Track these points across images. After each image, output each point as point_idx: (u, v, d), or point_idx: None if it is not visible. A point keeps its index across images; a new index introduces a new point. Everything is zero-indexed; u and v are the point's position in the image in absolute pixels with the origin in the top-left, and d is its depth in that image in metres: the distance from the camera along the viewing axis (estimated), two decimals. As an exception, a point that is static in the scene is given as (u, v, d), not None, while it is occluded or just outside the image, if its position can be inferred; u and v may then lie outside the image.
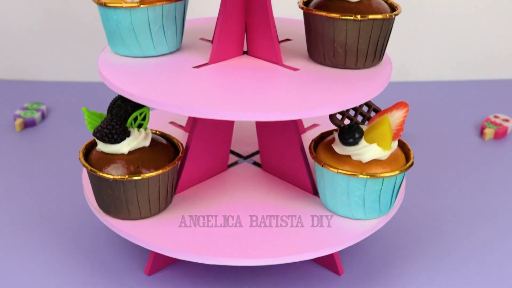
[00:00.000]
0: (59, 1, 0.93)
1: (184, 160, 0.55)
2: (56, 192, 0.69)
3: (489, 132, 0.82)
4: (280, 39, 0.60)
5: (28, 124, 0.83)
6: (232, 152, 0.63)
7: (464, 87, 0.99)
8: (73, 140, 0.81)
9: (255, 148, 0.63)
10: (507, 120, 0.84)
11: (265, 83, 0.49)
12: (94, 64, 0.96)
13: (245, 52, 0.56)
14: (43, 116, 0.86)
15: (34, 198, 0.67)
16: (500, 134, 0.82)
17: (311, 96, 0.47)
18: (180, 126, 0.66)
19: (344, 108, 0.47)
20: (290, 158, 0.56)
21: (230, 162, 0.61)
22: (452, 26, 0.98)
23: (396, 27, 0.96)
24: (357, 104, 0.48)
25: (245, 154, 0.62)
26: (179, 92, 0.48)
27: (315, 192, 0.56)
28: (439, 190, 0.71)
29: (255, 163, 0.61)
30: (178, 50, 0.56)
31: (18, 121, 0.82)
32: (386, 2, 0.55)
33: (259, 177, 0.58)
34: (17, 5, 0.93)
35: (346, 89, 0.49)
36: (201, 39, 0.60)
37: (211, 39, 0.60)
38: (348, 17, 0.50)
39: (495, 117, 0.85)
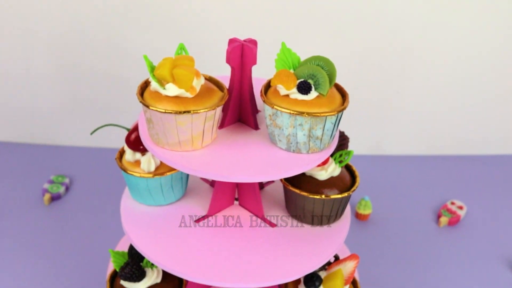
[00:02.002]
0: (82, 72, 1.05)
1: None
2: (84, 274, 0.84)
3: (443, 220, 0.97)
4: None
5: (55, 198, 0.99)
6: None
7: (434, 162, 1.13)
8: (98, 212, 0.95)
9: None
10: (461, 208, 1.00)
11: (246, 247, 0.64)
12: (113, 131, 1.09)
13: (236, 199, 0.71)
14: (67, 189, 1.01)
15: (64, 280, 0.83)
16: (453, 222, 0.97)
17: (281, 262, 0.63)
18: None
19: (308, 272, 0.62)
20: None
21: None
22: (426, 104, 1.10)
23: (371, 106, 1.10)
24: (319, 266, 0.63)
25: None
26: (178, 250, 0.63)
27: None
28: (393, 281, 0.86)
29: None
30: (183, 196, 0.71)
31: (47, 196, 0.97)
32: (349, 170, 0.69)
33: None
34: (43, 77, 1.06)
35: (312, 252, 0.64)
36: (202, 179, 0.75)
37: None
38: (316, 196, 0.65)
39: (452, 203, 1.00)
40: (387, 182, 1.07)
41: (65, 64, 1.04)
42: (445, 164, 1.13)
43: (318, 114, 0.57)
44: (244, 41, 0.61)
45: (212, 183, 0.73)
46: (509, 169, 1.12)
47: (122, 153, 0.70)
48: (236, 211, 0.69)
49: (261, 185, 0.74)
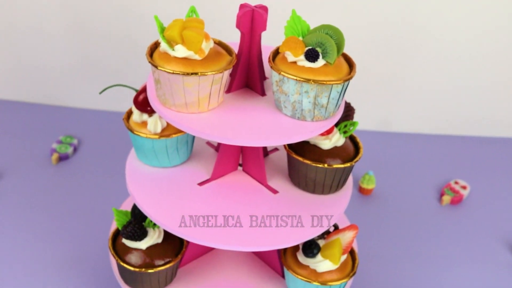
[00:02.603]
0: (93, 33, 1.06)
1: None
2: (88, 232, 0.86)
3: (446, 199, 0.97)
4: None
5: (63, 158, 1.00)
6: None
7: (440, 142, 1.13)
8: (104, 173, 0.97)
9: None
10: (464, 188, 1.00)
11: (247, 211, 0.65)
12: (122, 94, 1.10)
13: (240, 164, 0.72)
14: (75, 149, 1.02)
15: (68, 238, 0.85)
16: (456, 202, 0.98)
17: (280, 227, 0.64)
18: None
19: (306, 239, 0.63)
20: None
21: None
22: (435, 83, 1.10)
23: (380, 82, 1.10)
24: (318, 234, 0.64)
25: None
26: (180, 211, 0.64)
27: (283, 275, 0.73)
28: (392, 256, 0.87)
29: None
30: (188, 159, 0.72)
31: (55, 156, 0.99)
32: (354, 141, 0.70)
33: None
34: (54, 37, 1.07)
35: (311, 219, 0.65)
36: (207, 143, 0.76)
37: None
38: (318, 165, 0.65)
39: (456, 183, 1.01)
40: (392, 159, 1.07)
41: (77, 25, 1.05)
42: (451, 144, 1.13)
43: (324, 82, 0.57)
44: (255, 6, 0.62)
45: (217, 148, 0.74)
46: (515, 152, 1.12)
47: (129, 114, 0.71)
48: (239, 176, 0.70)
49: (265, 153, 0.74)
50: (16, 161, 0.98)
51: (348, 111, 0.69)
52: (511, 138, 1.16)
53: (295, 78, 0.57)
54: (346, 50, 0.74)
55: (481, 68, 1.08)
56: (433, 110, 1.13)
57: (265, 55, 0.67)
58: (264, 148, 0.74)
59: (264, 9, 0.62)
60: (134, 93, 0.99)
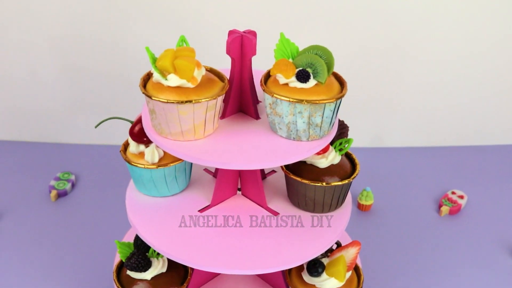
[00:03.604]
0: (85, 71, 1.07)
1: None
2: (91, 267, 0.85)
3: (445, 209, 0.98)
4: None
5: (61, 195, 1.00)
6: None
7: (434, 154, 1.14)
8: (103, 207, 0.97)
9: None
10: (462, 197, 1.01)
11: (250, 235, 0.66)
12: (117, 128, 1.10)
13: (239, 189, 0.72)
14: (73, 185, 1.03)
15: (71, 273, 0.85)
16: (454, 212, 0.98)
17: (284, 248, 0.64)
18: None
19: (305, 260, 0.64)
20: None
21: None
22: (425, 96, 1.11)
23: (371, 99, 1.11)
24: (321, 252, 0.65)
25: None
26: (180, 241, 0.64)
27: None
28: (396, 269, 0.87)
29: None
30: (187, 187, 0.73)
31: (53, 192, 0.99)
32: (350, 158, 0.71)
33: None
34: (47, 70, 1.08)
35: (314, 238, 0.65)
36: (205, 170, 0.76)
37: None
38: (316, 184, 0.66)
39: (453, 193, 1.01)
40: (388, 174, 1.08)
41: (68, 64, 1.06)
42: (445, 155, 1.14)
43: (317, 101, 0.58)
44: (244, 32, 0.63)
45: (215, 174, 0.75)
46: (509, 159, 1.13)
47: (126, 146, 0.72)
48: (239, 200, 0.71)
49: (263, 175, 0.75)
50: (15, 200, 0.99)
51: (343, 129, 0.70)
52: (503, 145, 1.17)
53: (288, 99, 0.58)
54: (336, 69, 0.76)
55: (469, 78, 1.10)
56: (424, 123, 1.14)
57: (257, 79, 0.68)
58: (262, 171, 0.74)
59: (253, 34, 0.63)
60: (129, 126, 1.00)
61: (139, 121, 0.68)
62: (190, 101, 0.58)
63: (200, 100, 0.58)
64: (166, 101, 0.58)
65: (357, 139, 1.13)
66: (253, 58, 0.64)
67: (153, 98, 0.58)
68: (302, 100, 0.58)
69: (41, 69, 1.06)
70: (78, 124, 1.13)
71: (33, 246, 0.89)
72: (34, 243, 0.89)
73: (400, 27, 1.03)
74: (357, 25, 1.03)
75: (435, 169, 1.10)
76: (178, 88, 0.59)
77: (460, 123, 1.15)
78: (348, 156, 0.71)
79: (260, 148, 0.61)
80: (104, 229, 0.92)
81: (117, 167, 1.07)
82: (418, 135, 1.15)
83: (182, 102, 0.58)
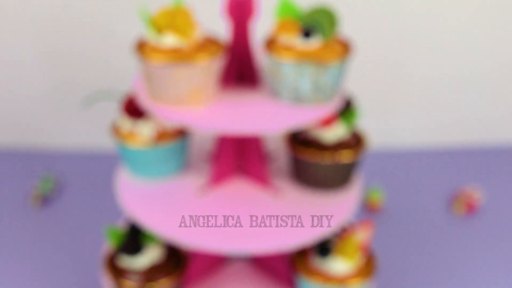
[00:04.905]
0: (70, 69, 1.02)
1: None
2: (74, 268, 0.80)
3: (458, 208, 0.93)
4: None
5: (43, 200, 0.95)
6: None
7: (441, 154, 1.09)
8: (86, 212, 0.92)
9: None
10: (475, 195, 0.95)
11: (252, 213, 0.61)
12: (100, 129, 1.04)
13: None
14: (55, 191, 0.97)
15: (59, 279, 0.79)
16: (469, 211, 0.93)
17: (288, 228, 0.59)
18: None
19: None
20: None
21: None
22: (432, 93, 1.08)
23: (378, 100, 1.07)
24: (328, 233, 0.60)
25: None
26: (178, 222, 0.59)
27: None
28: (411, 271, 0.82)
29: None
30: (184, 168, 0.68)
31: (34, 198, 0.93)
32: (358, 137, 0.66)
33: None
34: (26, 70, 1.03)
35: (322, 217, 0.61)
36: (201, 153, 0.71)
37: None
38: (323, 161, 0.62)
39: (467, 192, 0.96)
40: (397, 175, 1.03)
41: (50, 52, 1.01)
42: (456, 154, 1.09)
43: (321, 61, 0.55)
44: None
45: (213, 155, 0.70)
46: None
47: (116, 128, 0.67)
48: (240, 178, 0.66)
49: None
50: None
51: (349, 105, 0.66)
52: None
53: (291, 60, 0.55)
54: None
55: (478, 76, 1.07)
56: (432, 121, 1.10)
57: (258, 45, 0.64)
58: (264, 151, 0.70)
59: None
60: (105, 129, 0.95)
61: (131, 96, 0.65)
62: (187, 63, 0.54)
63: (197, 62, 0.54)
64: (162, 63, 0.54)
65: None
66: (256, 24, 0.60)
67: (148, 60, 0.55)
68: (306, 60, 0.55)
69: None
70: (61, 128, 1.08)
71: (15, 254, 0.84)
72: (15, 250, 0.85)
73: (408, 23, 1.01)
74: (362, 24, 1.00)
75: (444, 168, 1.05)
76: (174, 50, 0.55)
77: (468, 119, 1.10)
78: (356, 135, 0.67)
79: (263, 114, 0.57)
80: (89, 234, 0.88)
81: (101, 170, 1.01)
82: (427, 135, 1.11)
83: (178, 64, 0.54)
